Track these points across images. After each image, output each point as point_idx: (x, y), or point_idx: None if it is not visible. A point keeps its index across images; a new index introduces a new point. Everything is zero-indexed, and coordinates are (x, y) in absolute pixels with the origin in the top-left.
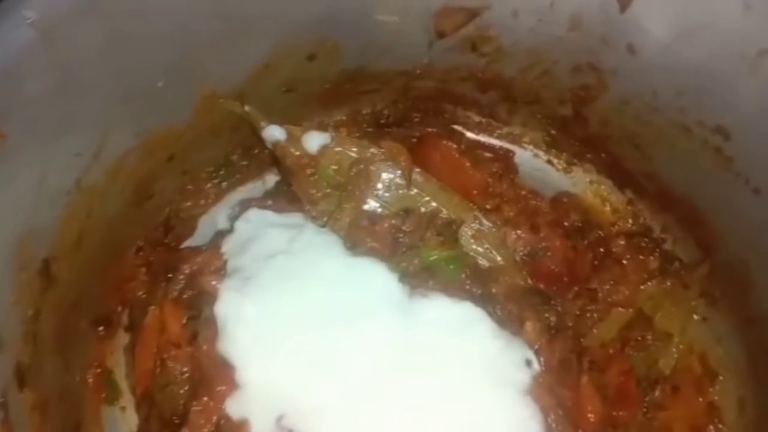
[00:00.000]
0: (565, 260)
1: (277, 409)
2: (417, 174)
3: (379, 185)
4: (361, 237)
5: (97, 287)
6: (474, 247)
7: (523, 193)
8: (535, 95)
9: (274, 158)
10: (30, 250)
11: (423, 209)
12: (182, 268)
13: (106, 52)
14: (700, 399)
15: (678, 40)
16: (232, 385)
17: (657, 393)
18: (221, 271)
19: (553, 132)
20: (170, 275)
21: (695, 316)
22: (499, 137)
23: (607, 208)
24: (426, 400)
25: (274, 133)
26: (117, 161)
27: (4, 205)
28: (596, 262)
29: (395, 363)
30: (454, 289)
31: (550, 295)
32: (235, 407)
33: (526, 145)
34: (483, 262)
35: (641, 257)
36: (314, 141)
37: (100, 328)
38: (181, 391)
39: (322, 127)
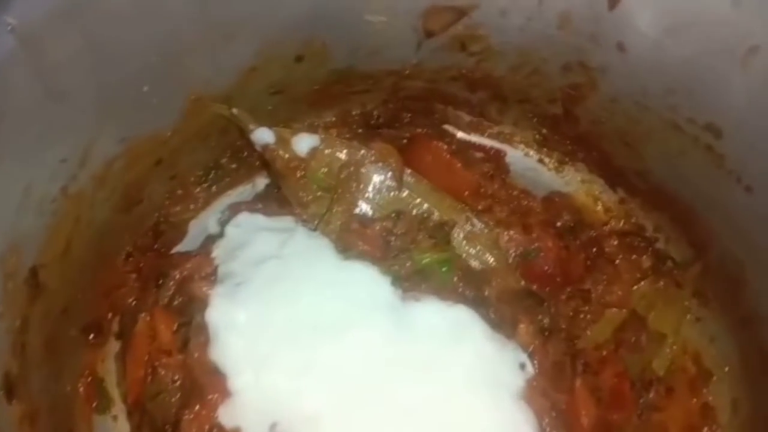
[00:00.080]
0: (558, 260)
1: (270, 416)
2: (408, 175)
3: (370, 187)
4: (352, 240)
5: (86, 295)
6: (466, 248)
7: (515, 193)
8: (525, 94)
9: (263, 161)
10: (17, 259)
11: (414, 211)
12: (172, 273)
13: (87, 57)
14: (695, 400)
15: (667, 37)
16: (225, 393)
17: (651, 394)
18: (212, 277)
19: (544, 131)
20: (160, 281)
21: (688, 316)
22: (490, 137)
23: (599, 208)
24: (419, 404)
25: (263, 135)
26: (103, 167)
27: None
28: (589, 262)
29: (388, 368)
30: (446, 292)
31: (544, 296)
32: (227, 415)
33: (517, 145)
34: (475, 264)
35: (634, 257)
36: (304, 143)
37: (91, 336)
38: (173, 400)
39: (311, 129)
